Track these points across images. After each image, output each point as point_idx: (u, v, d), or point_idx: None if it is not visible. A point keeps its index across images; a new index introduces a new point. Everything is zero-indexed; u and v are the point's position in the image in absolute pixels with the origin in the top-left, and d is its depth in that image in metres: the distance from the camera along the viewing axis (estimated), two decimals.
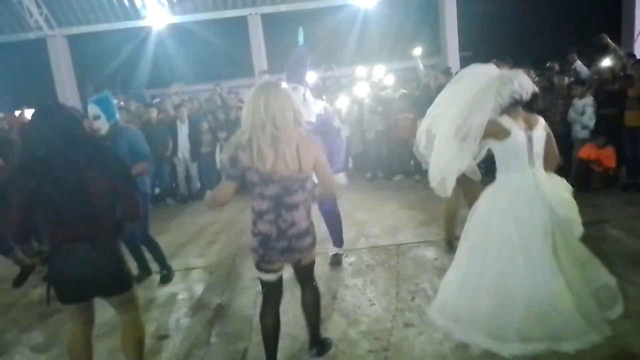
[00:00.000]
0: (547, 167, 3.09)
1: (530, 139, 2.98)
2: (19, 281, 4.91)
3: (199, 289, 4.56)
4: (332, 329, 3.50)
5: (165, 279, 4.66)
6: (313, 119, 4.31)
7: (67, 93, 12.94)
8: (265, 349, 2.93)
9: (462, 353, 3.04)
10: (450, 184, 3.24)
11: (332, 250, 4.78)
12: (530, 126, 3.00)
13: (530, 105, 3.04)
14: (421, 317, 3.57)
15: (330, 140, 4.26)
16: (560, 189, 3.01)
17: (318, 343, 3.13)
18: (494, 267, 2.94)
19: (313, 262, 2.90)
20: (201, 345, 3.52)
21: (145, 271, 4.71)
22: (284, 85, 2.63)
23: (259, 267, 2.77)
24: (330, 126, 4.37)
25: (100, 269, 2.56)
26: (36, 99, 8.41)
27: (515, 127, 2.95)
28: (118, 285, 2.67)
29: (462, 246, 3.21)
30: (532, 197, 2.94)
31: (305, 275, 2.94)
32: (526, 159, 2.98)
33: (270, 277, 2.79)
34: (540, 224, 2.90)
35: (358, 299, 3.97)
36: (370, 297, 3.98)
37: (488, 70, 3.12)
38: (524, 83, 2.95)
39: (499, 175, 3.10)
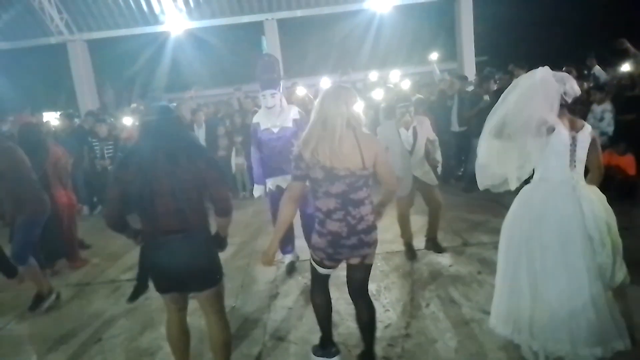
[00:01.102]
0: (590, 179, 2.95)
1: (574, 140, 2.82)
2: (34, 306, 4.45)
3: None
4: (345, 333, 3.49)
5: None
6: (290, 125, 4.46)
7: (87, 97, 13.15)
8: (319, 325, 3.07)
9: None
10: (513, 181, 3.05)
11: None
12: (575, 128, 2.85)
13: (574, 110, 2.97)
14: (436, 324, 3.55)
15: None
16: (599, 204, 2.84)
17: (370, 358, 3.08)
18: (533, 272, 2.84)
19: (370, 270, 2.93)
20: None
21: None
22: (350, 87, 2.81)
23: (321, 264, 2.85)
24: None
25: (193, 263, 2.61)
26: (56, 103, 8.54)
27: (560, 125, 2.81)
28: (208, 278, 2.72)
29: (502, 251, 3.06)
30: (570, 200, 2.80)
31: (361, 283, 2.93)
32: (567, 160, 2.83)
33: (327, 271, 2.89)
34: (579, 226, 2.76)
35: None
36: (385, 303, 3.96)
37: (537, 72, 2.93)
38: (574, 86, 2.84)
39: (536, 176, 2.96)
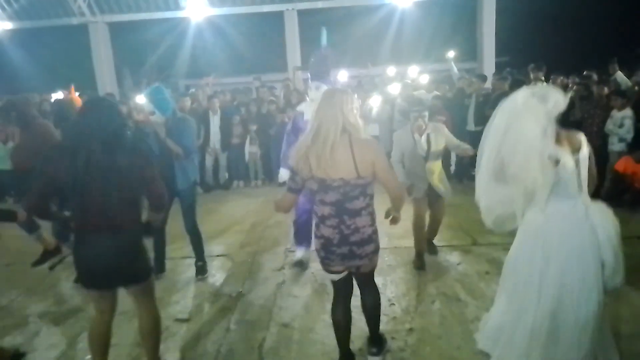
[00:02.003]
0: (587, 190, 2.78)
1: (577, 163, 2.64)
2: (38, 262, 4.64)
3: (221, 276, 4.63)
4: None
5: (201, 270, 4.59)
6: None
7: (106, 79, 13.27)
8: (337, 343, 2.98)
9: None
10: (511, 221, 2.89)
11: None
12: (575, 148, 2.65)
13: (566, 121, 2.74)
14: (440, 320, 3.55)
15: None
16: (610, 226, 2.72)
17: (377, 343, 3.12)
18: (551, 301, 2.68)
19: (373, 270, 2.89)
20: (220, 331, 3.58)
21: (160, 268, 4.58)
22: (349, 91, 2.70)
23: (323, 267, 2.83)
24: None
25: (121, 259, 2.58)
26: (75, 83, 8.64)
27: (564, 154, 2.61)
28: (137, 275, 2.71)
29: (508, 281, 2.93)
30: (586, 229, 2.65)
31: (363, 280, 2.90)
32: (575, 185, 2.67)
33: (334, 276, 2.83)
34: (595, 255, 2.64)
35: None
36: (390, 297, 3.97)
37: (518, 95, 2.70)
38: (558, 100, 2.58)
39: (545, 206, 2.71)
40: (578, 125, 6.30)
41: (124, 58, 14.27)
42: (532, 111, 2.57)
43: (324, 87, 4.30)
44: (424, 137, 4.44)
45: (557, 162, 2.61)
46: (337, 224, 2.62)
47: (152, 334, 2.87)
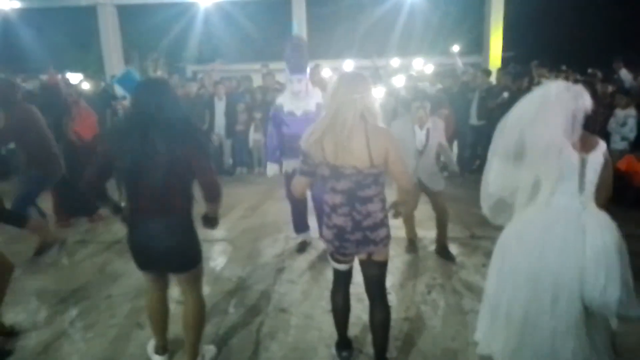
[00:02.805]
0: (597, 199, 2.68)
1: (584, 162, 2.60)
2: (38, 252, 4.66)
3: (221, 261, 4.70)
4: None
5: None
6: (313, 109, 4.48)
7: (114, 62, 13.27)
8: (336, 328, 3.04)
9: (472, 352, 3.06)
10: (506, 214, 2.89)
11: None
12: (587, 148, 2.61)
13: (588, 124, 2.70)
14: (436, 311, 3.62)
15: None
16: (603, 235, 2.58)
17: None
18: (519, 303, 2.69)
19: (386, 262, 2.79)
20: (219, 314, 3.65)
21: None
22: (367, 76, 2.62)
23: (332, 257, 2.82)
24: None
25: (169, 245, 2.60)
26: (83, 65, 8.69)
27: (569, 147, 2.58)
28: (186, 261, 2.73)
29: (492, 273, 2.92)
30: (573, 228, 2.59)
31: (375, 280, 2.80)
32: (576, 184, 2.60)
33: (341, 266, 2.83)
34: (578, 257, 2.54)
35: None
36: (387, 287, 3.98)
37: (552, 86, 2.72)
38: (587, 102, 2.60)
39: (540, 199, 2.69)
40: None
41: (132, 42, 14.29)
42: (563, 105, 2.57)
43: (305, 79, 4.46)
44: (424, 131, 4.46)
45: (559, 151, 2.58)
46: (349, 211, 2.59)
47: (196, 322, 2.88)
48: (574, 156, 2.59)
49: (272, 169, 4.77)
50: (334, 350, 3.10)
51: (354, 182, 2.54)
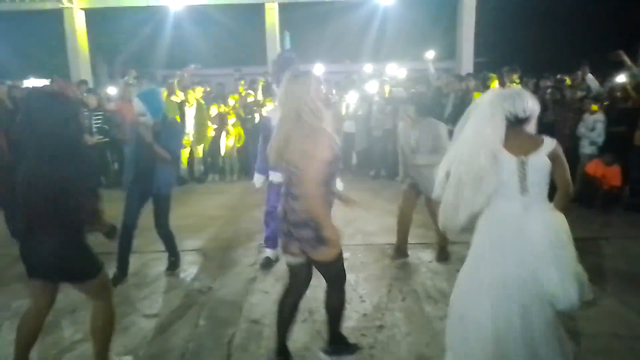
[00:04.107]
0: (557, 199, 2.66)
1: (523, 164, 2.58)
2: None
3: (192, 271, 4.57)
4: (320, 321, 3.50)
5: (173, 265, 4.54)
6: None
7: (80, 67, 12.91)
8: (276, 330, 3.01)
9: None
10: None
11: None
12: (526, 150, 2.59)
13: (538, 122, 2.74)
14: (410, 318, 3.58)
15: None
16: (551, 233, 2.56)
17: (332, 342, 3.07)
18: (463, 301, 2.73)
19: (326, 263, 2.71)
20: (189, 327, 3.53)
21: (123, 273, 4.33)
22: (311, 75, 2.69)
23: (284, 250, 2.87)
24: None
25: (58, 257, 2.60)
26: (48, 70, 8.43)
27: (503, 151, 2.59)
28: (79, 274, 2.71)
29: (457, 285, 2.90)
30: (510, 230, 2.59)
31: (323, 274, 2.84)
32: (517, 187, 2.59)
33: (290, 259, 2.82)
34: (516, 260, 2.55)
35: (349, 294, 3.93)
36: (362, 294, 3.98)
37: (488, 93, 2.79)
38: (526, 105, 2.60)
39: (491, 202, 2.69)
40: (550, 128, 6.41)
41: (100, 46, 13.98)
42: (494, 110, 2.60)
43: None
44: (415, 132, 4.44)
45: (494, 157, 2.59)
46: (285, 200, 2.73)
47: (101, 331, 2.85)
48: (510, 159, 2.59)
49: (258, 179, 4.61)
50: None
51: (287, 177, 2.70)
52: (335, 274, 2.85)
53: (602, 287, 3.96)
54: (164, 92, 8.29)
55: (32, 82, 11.87)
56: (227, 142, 8.57)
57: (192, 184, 8.48)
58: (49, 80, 8.24)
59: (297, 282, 2.89)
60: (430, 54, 9.13)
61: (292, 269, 2.87)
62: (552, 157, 2.58)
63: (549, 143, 2.60)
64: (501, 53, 14.89)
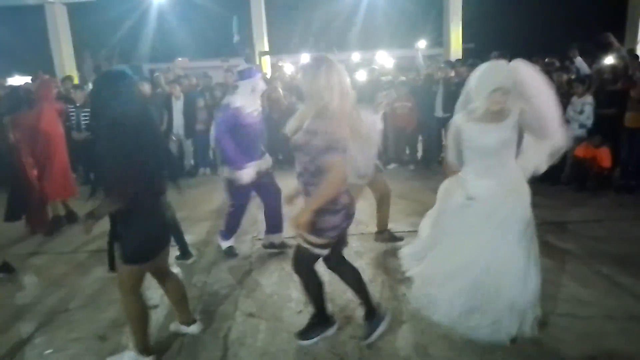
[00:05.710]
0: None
1: (503, 130, 2.94)
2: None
3: (186, 266, 4.54)
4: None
5: (185, 255, 4.70)
6: (260, 107, 4.49)
7: (64, 62, 12.76)
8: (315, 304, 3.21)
9: (443, 344, 3.06)
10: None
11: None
12: (498, 119, 2.94)
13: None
14: (405, 306, 3.57)
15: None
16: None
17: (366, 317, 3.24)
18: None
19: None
20: None
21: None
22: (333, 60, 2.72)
23: (328, 245, 2.92)
24: None
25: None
26: (31, 66, 8.28)
27: (470, 123, 3.04)
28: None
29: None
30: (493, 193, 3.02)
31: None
32: (484, 152, 3.02)
33: (326, 252, 2.98)
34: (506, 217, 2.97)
35: (344, 284, 3.95)
36: None
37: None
38: (483, 78, 2.93)
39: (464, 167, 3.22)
40: None
41: (84, 40, 13.76)
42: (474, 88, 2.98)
43: (259, 76, 4.42)
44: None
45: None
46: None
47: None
48: (488, 135, 2.97)
49: (248, 174, 4.35)
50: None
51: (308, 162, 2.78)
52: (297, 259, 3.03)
53: (596, 269, 3.99)
54: (146, 87, 8.20)
55: (16, 80, 11.66)
56: None
57: (183, 178, 8.40)
58: (34, 76, 8.08)
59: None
60: (421, 44, 9.11)
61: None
62: (518, 121, 2.99)
63: (515, 108, 2.98)
64: (489, 38, 14.88)
